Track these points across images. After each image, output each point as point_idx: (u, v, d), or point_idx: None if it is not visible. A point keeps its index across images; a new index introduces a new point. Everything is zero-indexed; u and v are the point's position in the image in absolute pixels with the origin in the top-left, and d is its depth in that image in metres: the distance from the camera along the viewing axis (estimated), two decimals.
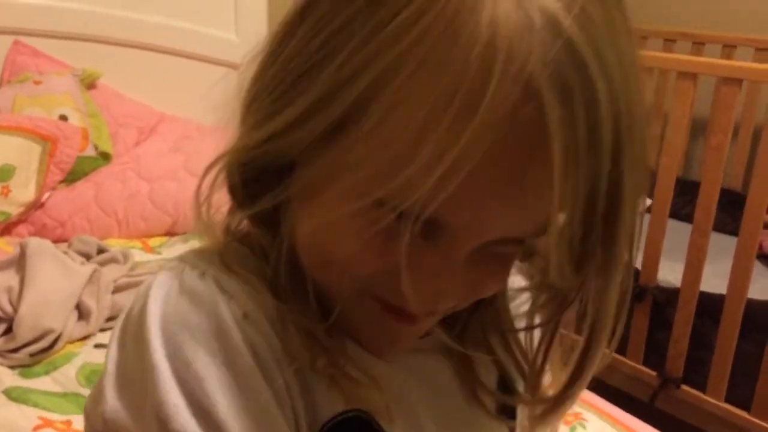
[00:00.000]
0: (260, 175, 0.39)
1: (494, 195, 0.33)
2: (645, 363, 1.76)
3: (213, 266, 0.39)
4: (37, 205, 1.55)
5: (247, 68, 0.38)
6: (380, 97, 0.32)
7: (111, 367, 0.38)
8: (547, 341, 0.44)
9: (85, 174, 1.63)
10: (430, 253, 0.35)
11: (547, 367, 0.45)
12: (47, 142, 1.57)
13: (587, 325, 0.39)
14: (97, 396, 0.39)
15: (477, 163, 0.31)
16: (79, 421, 1.02)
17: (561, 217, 0.33)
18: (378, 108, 0.32)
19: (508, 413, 0.48)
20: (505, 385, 0.48)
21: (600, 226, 0.33)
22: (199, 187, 0.40)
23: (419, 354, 0.45)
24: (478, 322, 0.46)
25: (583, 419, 1.04)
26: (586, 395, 1.10)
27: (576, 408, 1.03)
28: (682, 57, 1.91)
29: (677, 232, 1.73)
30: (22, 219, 1.53)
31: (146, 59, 1.86)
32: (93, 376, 1.12)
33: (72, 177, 1.62)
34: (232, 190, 0.40)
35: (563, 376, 0.42)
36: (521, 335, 0.47)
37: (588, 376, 0.41)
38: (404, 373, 0.43)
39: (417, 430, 0.43)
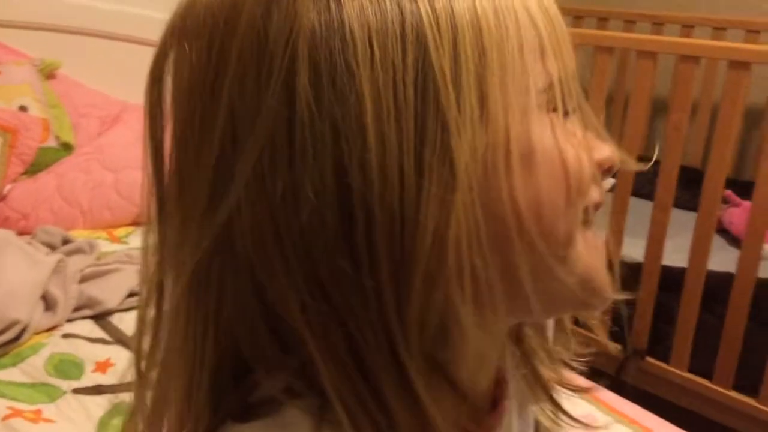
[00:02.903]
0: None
1: None
2: (610, 337, 1.80)
3: None
4: None
5: None
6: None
7: None
8: None
9: (48, 165, 1.61)
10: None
11: None
12: (7, 133, 1.55)
13: None
14: None
15: None
16: (48, 411, 1.01)
17: None
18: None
19: None
20: None
21: None
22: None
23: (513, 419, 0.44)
24: None
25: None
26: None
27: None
28: (641, 36, 1.94)
29: (640, 210, 1.77)
30: None
31: (106, 47, 1.83)
32: (61, 366, 1.12)
33: (34, 168, 1.60)
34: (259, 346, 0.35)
35: None
36: None
37: None
38: None
39: None
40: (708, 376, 1.63)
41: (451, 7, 0.32)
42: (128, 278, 1.25)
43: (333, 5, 0.31)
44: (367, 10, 0.31)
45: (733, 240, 1.86)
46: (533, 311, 0.35)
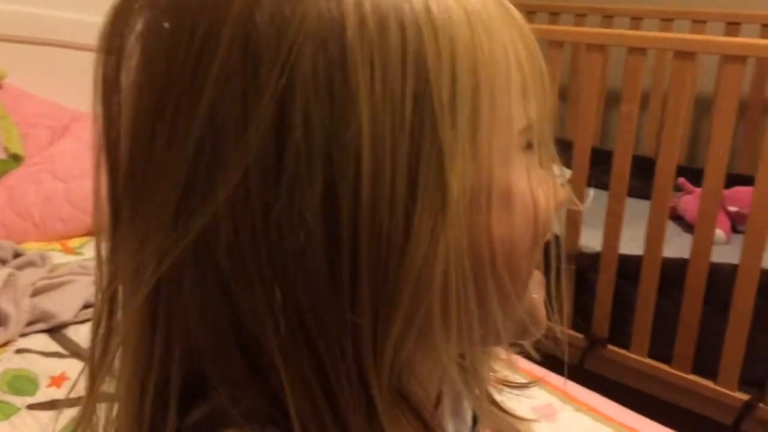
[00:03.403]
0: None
1: None
2: (573, 327, 1.82)
3: None
4: None
5: None
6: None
7: None
8: None
9: None
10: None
11: None
12: None
13: None
14: None
15: None
16: (2, 428, 0.99)
17: None
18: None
19: None
20: None
21: None
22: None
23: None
24: None
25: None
26: (513, 357, 1.13)
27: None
28: (590, 30, 1.97)
29: (596, 200, 1.79)
30: None
31: (54, 56, 1.79)
32: (15, 382, 1.09)
33: None
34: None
35: None
36: None
37: None
38: None
39: None
40: (667, 360, 1.66)
41: (452, 37, 0.31)
42: (83, 289, 1.23)
43: (333, 6, 0.29)
44: (369, 25, 0.30)
45: (688, 227, 1.89)
46: (495, 340, 0.37)
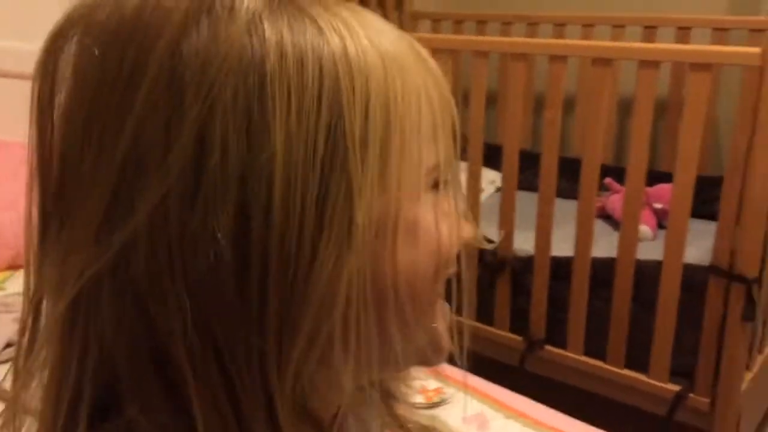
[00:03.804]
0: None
1: None
2: (511, 330, 1.86)
3: None
4: None
5: None
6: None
7: None
8: None
9: None
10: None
11: None
12: None
13: None
14: None
15: None
16: None
17: None
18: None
19: None
20: None
21: None
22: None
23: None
24: None
25: (444, 393, 1.09)
26: (448, 370, 1.15)
27: (436, 383, 1.08)
28: (514, 39, 2.02)
29: (530, 203, 1.83)
30: None
31: None
32: None
33: None
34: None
35: None
36: None
37: None
38: None
39: None
40: (602, 357, 1.71)
41: (367, 77, 0.33)
42: (4, 327, 1.19)
43: (256, 43, 0.32)
44: (289, 61, 0.32)
45: (617, 225, 1.95)
46: (394, 366, 0.39)
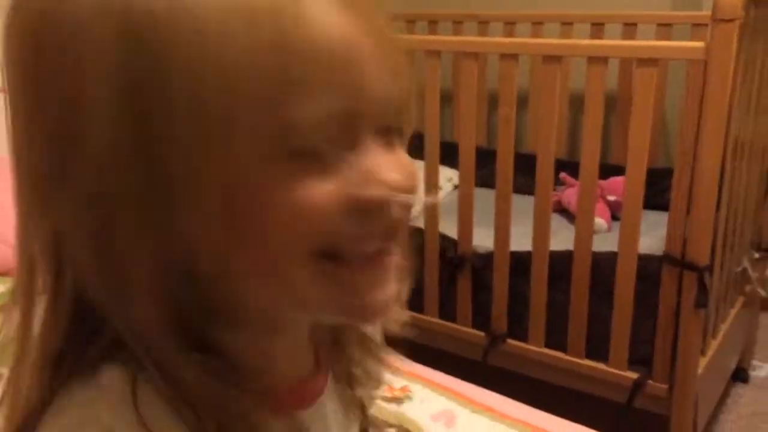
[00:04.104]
0: None
1: None
2: (473, 325, 1.88)
3: None
4: None
5: None
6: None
7: None
8: None
9: None
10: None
11: None
12: None
13: None
14: None
15: None
16: None
17: None
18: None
19: None
20: None
21: None
22: None
23: (328, 401, 0.46)
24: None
25: (410, 391, 1.09)
26: (413, 368, 1.16)
27: (402, 382, 1.09)
28: (465, 38, 2.04)
29: (488, 200, 1.85)
30: None
31: None
32: None
33: None
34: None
35: None
36: None
37: None
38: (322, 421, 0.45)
39: None
40: (563, 348, 1.74)
41: (196, 28, 0.32)
42: None
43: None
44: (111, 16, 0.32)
45: (573, 219, 1.99)
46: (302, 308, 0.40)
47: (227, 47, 0.32)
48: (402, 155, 0.39)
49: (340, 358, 0.48)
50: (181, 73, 0.32)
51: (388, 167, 0.37)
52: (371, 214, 0.36)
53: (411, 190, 0.38)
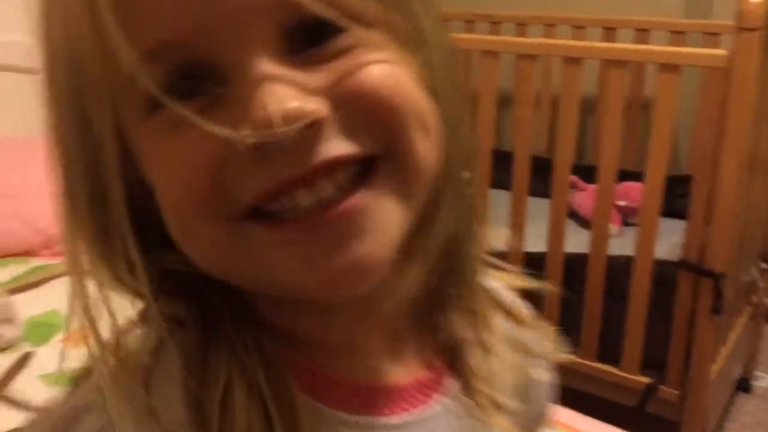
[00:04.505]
0: None
1: None
2: None
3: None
4: None
5: None
6: None
7: None
8: None
9: None
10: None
11: None
12: None
13: None
14: None
15: None
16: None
17: None
18: None
19: None
20: None
21: None
22: None
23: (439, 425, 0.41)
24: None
25: None
26: None
27: None
28: (483, 37, 2.03)
29: (502, 201, 1.84)
30: None
31: None
32: None
33: None
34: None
35: None
36: None
37: None
38: None
39: None
40: (575, 350, 1.74)
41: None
42: None
43: None
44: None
45: (583, 222, 1.99)
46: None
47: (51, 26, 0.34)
48: (349, 60, 0.32)
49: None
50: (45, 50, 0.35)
51: (270, 94, 0.29)
52: (256, 160, 0.30)
53: (294, 115, 0.29)
